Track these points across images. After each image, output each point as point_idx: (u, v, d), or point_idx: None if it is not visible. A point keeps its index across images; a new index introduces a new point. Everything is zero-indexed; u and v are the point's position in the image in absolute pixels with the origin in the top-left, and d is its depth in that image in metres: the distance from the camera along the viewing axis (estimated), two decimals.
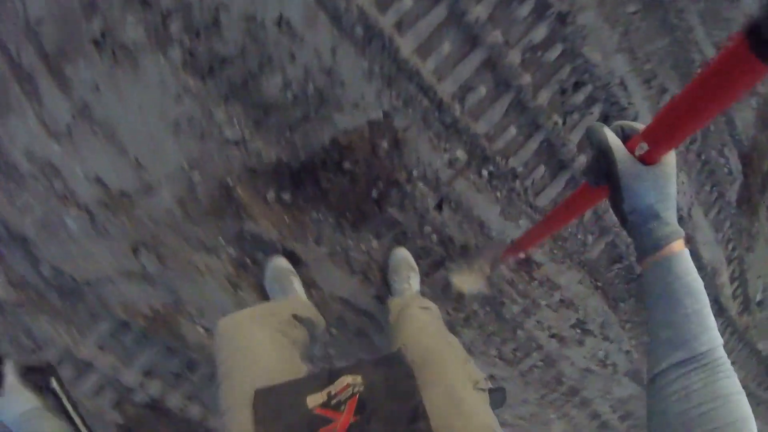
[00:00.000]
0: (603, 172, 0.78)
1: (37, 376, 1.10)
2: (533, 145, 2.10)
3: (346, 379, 0.93)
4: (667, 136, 0.72)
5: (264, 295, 2.00)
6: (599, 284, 2.50)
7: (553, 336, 2.54)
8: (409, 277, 2.01)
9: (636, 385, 2.91)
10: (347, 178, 1.84)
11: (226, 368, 1.09)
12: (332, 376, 0.97)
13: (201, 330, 2.03)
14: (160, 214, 1.82)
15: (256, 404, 0.94)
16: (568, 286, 2.42)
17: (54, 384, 1.13)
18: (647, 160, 0.74)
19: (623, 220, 0.78)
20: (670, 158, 0.75)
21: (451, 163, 1.93)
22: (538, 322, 2.46)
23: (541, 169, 2.16)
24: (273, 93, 1.72)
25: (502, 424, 2.75)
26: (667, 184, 0.74)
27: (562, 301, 2.45)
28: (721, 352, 0.67)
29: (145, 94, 1.67)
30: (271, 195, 1.84)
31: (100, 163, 1.74)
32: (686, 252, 0.73)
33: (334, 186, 1.85)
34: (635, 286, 2.56)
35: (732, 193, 2.72)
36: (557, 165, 2.19)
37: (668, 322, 0.71)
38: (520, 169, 2.10)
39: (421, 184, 1.92)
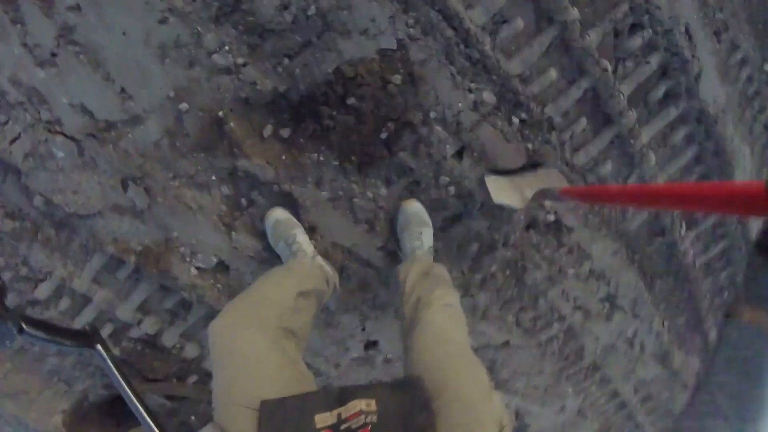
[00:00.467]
0: None
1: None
2: (576, 92, 1.81)
3: (359, 404, 0.90)
4: None
5: (262, 241, 1.86)
6: (636, 258, 2.24)
7: (578, 308, 2.32)
8: (421, 234, 1.82)
9: (662, 368, 2.69)
10: (352, 115, 1.62)
11: (224, 378, 1.07)
12: (343, 396, 0.94)
13: (194, 270, 1.91)
14: (148, 147, 1.66)
15: (262, 418, 0.93)
16: (600, 257, 2.17)
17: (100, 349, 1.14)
18: None
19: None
20: None
21: (475, 106, 1.67)
22: (563, 291, 2.24)
23: (583, 122, 1.87)
24: (269, 14, 1.48)
25: (514, 391, 2.60)
26: None
27: (592, 271, 2.21)
28: None
29: (128, 15, 1.48)
30: (267, 131, 1.65)
31: (85, 91, 1.59)
32: None
33: (338, 124, 1.63)
34: (676, 264, 2.28)
35: None
36: (602, 119, 1.89)
37: None
38: (557, 120, 1.82)
39: (438, 128, 1.68)
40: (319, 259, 1.78)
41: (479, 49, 1.60)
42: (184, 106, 1.60)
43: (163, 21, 1.49)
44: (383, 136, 1.66)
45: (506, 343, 2.36)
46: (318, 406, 0.92)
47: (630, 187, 1.24)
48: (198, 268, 1.91)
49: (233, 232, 1.82)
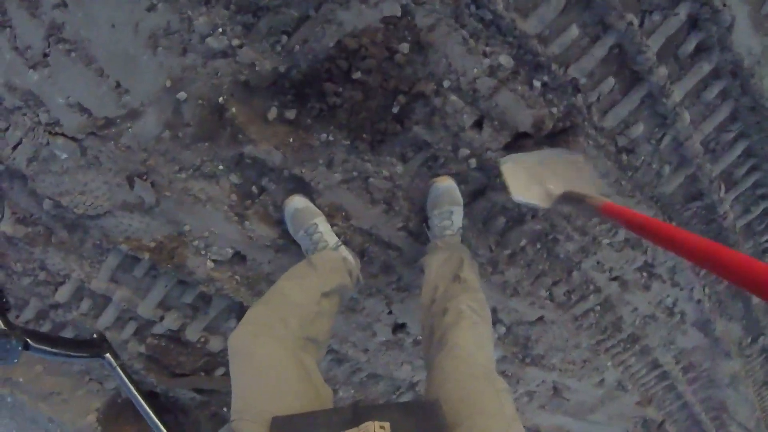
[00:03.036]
0: None
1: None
2: (600, 51, 1.66)
3: (372, 427, 0.87)
4: None
5: (277, 229, 1.79)
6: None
7: (614, 279, 2.20)
8: (451, 213, 1.73)
9: (703, 336, 2.56)
10: (360, 91, 1.52)
11: (240, 390, 1.06)
12: (357, 415, 0.92)
13: (210, 263, 1.86)
14: (150, 141, 1.60)
15: None
16: None
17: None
18: None
19: None
20: None
21: (492, 71, 1.55)
22: (597, 262, 2.12)
23: (610, 82, 1.72)
24: None
25: (550, 367, 2.51)
26: None
27: (627, 240, 2.09)
28: None
29: (115, 7, 1.40)
30: (271, 114, 1.57)
31: (80, 89, 1.53)
32: None
33: (345, 101, 1.53)
34: (716, 227, 2.13)
35: None
36: (631, 77, 1.74)
37: None
38: (582, 81, 1.68)
39: (454, 97, 1.56)
40: (343, 249, 1.72)
41: (491, 9, 1.47)
42: (182, 95, 1.52)
43: (151, 8, 1.40)
44: (394, 110, 1.56)
45: (540, 319, 2.26)
46: (330, 425, 0.91)
47: (682, 235, 1.06)
48: (214, 261, 1.87)
49: (246, 222, 1.76)
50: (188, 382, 2.37)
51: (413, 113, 1.57)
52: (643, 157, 1.90)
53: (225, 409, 2.59)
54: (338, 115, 1.55)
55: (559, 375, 2.54)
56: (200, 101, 1.53)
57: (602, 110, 1.76)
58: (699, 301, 2.40)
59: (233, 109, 1.54)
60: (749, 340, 2.71)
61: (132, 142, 1.60)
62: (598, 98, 1.72)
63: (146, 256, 1.84)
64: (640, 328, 2.43)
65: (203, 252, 1.83)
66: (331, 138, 1.60)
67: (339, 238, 1.74)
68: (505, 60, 1.54)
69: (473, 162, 1.71)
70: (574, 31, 1.61)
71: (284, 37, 1.45)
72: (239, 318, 2.17)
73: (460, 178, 1.75)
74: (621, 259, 2.14)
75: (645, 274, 2.23)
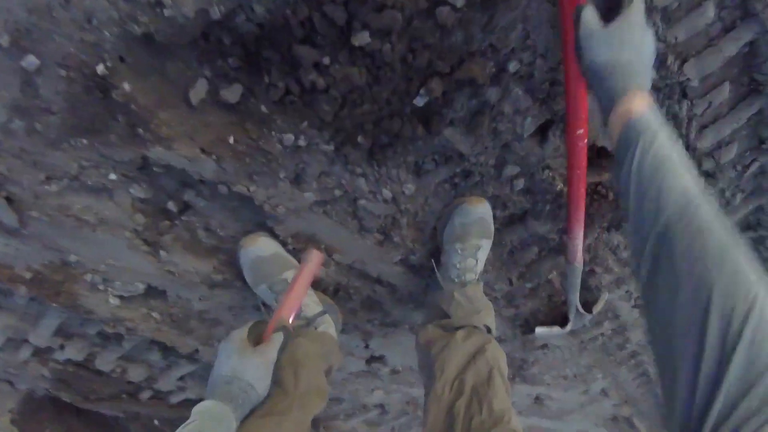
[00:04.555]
0: None
1: None
2: (731, 46, 0.96)
3: None
4: None
5: (215, 262, 1.05)
6: None
7: (636, 306, 1.64)
8: (478, 248, 1.05)
9: None
10: (362, 65, 0.75)
11: None
12: None
13: (114, 300, 1.12)
14: None
15: None
16: None
17: None
18: None
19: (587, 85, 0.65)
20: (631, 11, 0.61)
21: None
22: (626, 292, 1.53)
23: (725, 90, 1.03)
24: None
25: (540, 383, 2.00)
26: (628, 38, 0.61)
27: None
28: None
29: None
30: (196, 92, 0.78)
31: None
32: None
33: (333, 81, 0.77)
34: (759, 256, 1.59)
35: None
36: (748, 85, 1.06)
37: None
38: (694, 84, 0.98)
39: (519, 90, 0.83)
40: (322, 318, 1.03)
41: None
42: (31, 61, 0.71)
43: None
44: (419, 101, 0.81)
45: (545, 345, 1.70)
46: None
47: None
48: (120, 297, 1.12)
49: (162, 252, 1.01)
50: (108, 406, 1.69)
51: (449, 109, 0.83)
52: (721, 184, 1.26)
53: (156, 422, 1.95)
54: (319, 104, 0.79)
55: (546, 389, 2.04)
56: (65, 71, 0.72)
57: (702, 123, 1.08)
58: None
59: (125, 85, 0.74)
60: None
61: None
62: (708, 107, 1.03)
63: (23, 289, 1.08)
64: (643, 346, 1.93)
65: (101, 287, 1.08)
66: (302, 140, 0.84)
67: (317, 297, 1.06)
68: None
69: (520, 183, 1.00)
70: (710, 11, 0.89)
71: None
72: (164, 350, 1.46)
73: (498, 202, 1.05)
74: None
75: None
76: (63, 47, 0.72)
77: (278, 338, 0.80)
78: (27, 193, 0.91)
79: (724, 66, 1.01)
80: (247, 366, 0.75)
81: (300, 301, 0.87)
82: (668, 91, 0.95)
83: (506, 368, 1.00)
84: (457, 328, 1.02)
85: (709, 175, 1.26)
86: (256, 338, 0.79)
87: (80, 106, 0.77)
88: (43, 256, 1.04)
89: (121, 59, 0.73)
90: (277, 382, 0.89)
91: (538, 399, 2.15)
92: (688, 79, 0.97)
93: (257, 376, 0.76)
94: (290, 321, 0.85)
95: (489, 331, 1.05)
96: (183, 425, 0.68)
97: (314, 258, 0.86)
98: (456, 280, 1.07)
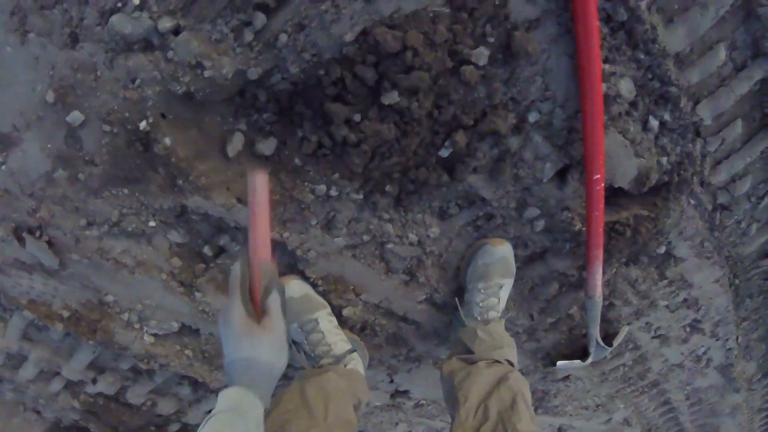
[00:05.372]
0: None
1: None
2: (743, 85, 0.96)
3: None
4: None
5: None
6: (737, 282, 1.50)
7: (656, 337, 1.60)
8: (500, 287, 1.04)
9: (720, 377, 2.04)
10: (391, 122, 0.77)
11: None
12: None
13: (149, 338, 1.13)
14: (38, 183, 0.83)
15: None
16: (701, 285, 1.42)
17: None
18: None
19: None
20: None
21: (606, 101, 0.82)
22: (647, 323, 1.50)
23: (737, 127, 1.03)
24: None
25: (562, 414, 1.97)
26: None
27: (685, 300, 1.46)
28: None
29: None
30: (233, 145, 0.80)
31: None
32: None
33: (364, 136, 0.78)
34: None
35: None
36: (761, 120, 1.06)
37: None
38: (707, 122, 0.98)
39: (539, 138, 0.83)
40: (351, 355, 1.03)
41: (630, 4, 0.73)
42: (75, 116, 0.74)
43: None
44: (443, 153, 0.82)
45: (566, 377, 1.66)
46: None
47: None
48: (154, 335, 1.13)
49: (197, 293, 1.02)
50: None
51: (473, 158, 0.83)
52: (736, 216, 1.24)
53: None
54: (350, 157, 0.80)
55: (568, 419, 1.98)
56: (108, 126, 0.75)
57: (716, 159, 1.07)
58: (730, 349, 1.85)
59: (167, 139, 0.76)
60: (760, 375, 2.22)
61: (9, 182, 0.82)
62: (721, 144, 1.03)
63: (59, 327, 1.10)
64: (664, 375, 1.87)
65: (137, 326, 1.10)
66: (334, 189, 0.86)
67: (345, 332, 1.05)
68: (626, 86, 0.81)
69: (540, 224, 1.00)
70: (722, 53, 0.90)
71: (258, 17, 0.68)
72: (194, 385, 1.47)
73: (519, 242, 1.05)
74: (672, 318, 1.53)
75: (689, 329, 1.64)
76: (107, 104, 0.75)
77: (275, 300, 0.68)
78: (68, 237, 0.93)
79: (736, 104, 1.01)
80: (260, 347, 0.66)
81: (268, 231, 0.70)
82: (681, 131, 0.94)
83: (530, 396, 0.98)
84: (480, 360, 1.01)
85: (724, 208, 1.24)
86: (251, 295, 0.68)
87: (122, 158, 0.80)
88: (81, 296, 1.07)
89: (163, 116, 0.75)
90: (307, 407, 0.88)
91: (560, 430, 2.08)
92: (701, 119, 0.97)
93: (274, 353, 0.67)
94: (269, 257, 0.69)
95: (511, 365, 1.03)
96: (205, 419, 0.62)
97: (259, 180, 0.68)
98: (479, 318, 1.06)
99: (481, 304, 1.05)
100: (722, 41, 0.90)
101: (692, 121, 0.96)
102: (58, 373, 1.41)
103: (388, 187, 0.87)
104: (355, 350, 1.04)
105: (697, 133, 0.99)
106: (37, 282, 1.04)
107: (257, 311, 0.68)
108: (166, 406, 1.48)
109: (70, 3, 0.70)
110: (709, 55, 0.90)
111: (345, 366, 1.03)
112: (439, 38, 0.66)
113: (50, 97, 0.74)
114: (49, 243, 0.93)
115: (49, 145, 0.80)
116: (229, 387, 0.65)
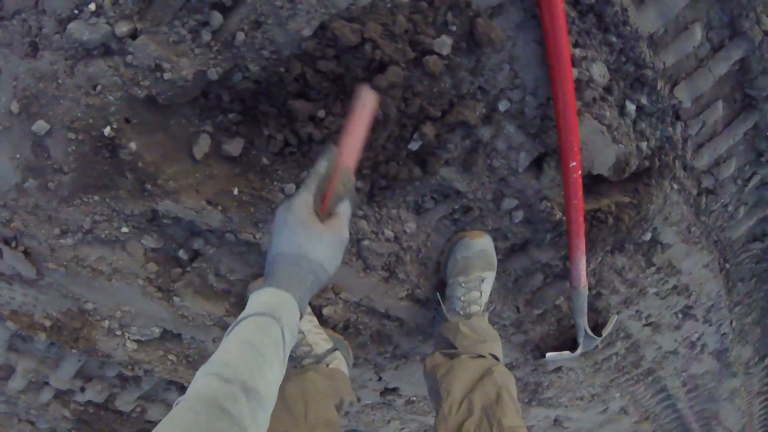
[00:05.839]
0: None
1: None
2: (721, 65, 0.95)
3: None
4: None
5: (227, 304, 1.05)
6: (727, 266, 1.49)
7: (648, 324, 1.59)
8: (482, 281, 1.03)
9: (716, 362, 2.04)
10: None
11: None
12: None
13: (131, 344, 1.12)
14: (10, 194, 0.81)
15: None
16: (690, 271, 1.41)
17: None
18: None
19: None
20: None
21: (578, 87, 0.81)
22: (636, 311, 1.49)
23: (718, 109, 1.02)
24: None
25: (557, 405, 1.97)
26: None
27: (675, 287, 1.46)
28: None
29: None
30: (200, 147, 0.78)
31: None
32: None
33: (329, 131, 0.77)
34: (766, 266, 1.54)
35: None
36: (742, 101, 1.05)
37: None
38: (686, 105, 0.97)
39: (511, 127, 0.82)
40: (336, 355, 1.02)
41: None
42: (40, 125, 0.73)
43: None
44: (413, 146, 0.81)
45: (558, 369, 1.65)
46: None
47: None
48: (137, 341, 1.12)
49: (175, 298, 1.01)
50: None
51: (444, 150, 0.82)
52: (723, 199, 1.23)
53: None
54: (317, 154, 0.79)
55: (564, 410, 1.97)
56: (73, 133, 0.74)
57: (697, 143, 1.06)
58: (724, 334, 1.84)
59: (132, 145, 0.75)
60: (756, 359, 2.21)
61: None
62: (701, 127, 1.02)
63: (42, 336, 1.09)
64: (659, 362, 1.86)
65: (118, 333, 1.09)
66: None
67: (328, 333, 1.04)
68: (599, 70, 0.80)
69: (519, 215, 0.99)
70: (697, 33, 0.89)
71: (215, 17, 0.66)
72: (181, 390, 1.46)
73: (498, 234, 1.04)
74: (663, 305, 1.52)
75: (681, 315, 1.63)
76: (70, 111, 0.74)
77: (345, 209, 0.62)
78: (43, 246, 0.92)
79: (716, 85, 1.00)
80: (317, 243, 0.58)
81: (360, 145, 0.66)
82: (660, 115, 0.93)
83: (515, 390, 0.97)
84: (463, 354, 1.00)
85: (710, 192, 1.23)
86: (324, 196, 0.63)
87: (90, 165, 0.79)
88: (61, 305, 1.06)
89: (127, 120, 0.74)
90: (287, 408, 0.87)
91: (557, 421, 2.08)
92: (680, 101, 0.96)
93: (329, 256, 0.60)
94: (353, 168, 0.66)
95: (496, 359, 1.02)
96: (233, 323, 0.56)
97: (369, 99, 0.66)
98: (461, 312, 1.05)
99: (462, 299, 1.04)
100: (697, 21, 0.89)
101: (671, 104, 0.95)
102: (47, 383, 1.40)
103: (359, 183, 0.86)
104: (336, 349, 1.03)
105: (677, 117, 0.98)
106: (18, 292, 1.03)
107: (323, 212, 0.62)
108: (155, 412, 1.47)
109: (28, 12, 0.69)
110: (685, 35, 0.88)
111: (327, 365, 1.02)
112: (398, 29, 0.65)
113: (15, 107, 0.73)
114: (26, 253, 0.92)
115: (17, 156, 0.79)
116: (264, 288, 0.57)
